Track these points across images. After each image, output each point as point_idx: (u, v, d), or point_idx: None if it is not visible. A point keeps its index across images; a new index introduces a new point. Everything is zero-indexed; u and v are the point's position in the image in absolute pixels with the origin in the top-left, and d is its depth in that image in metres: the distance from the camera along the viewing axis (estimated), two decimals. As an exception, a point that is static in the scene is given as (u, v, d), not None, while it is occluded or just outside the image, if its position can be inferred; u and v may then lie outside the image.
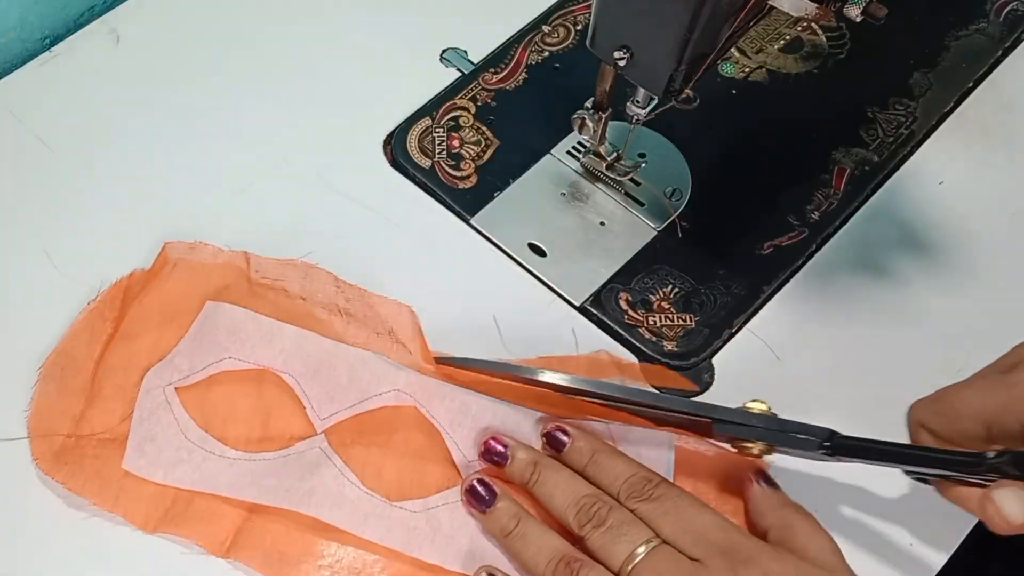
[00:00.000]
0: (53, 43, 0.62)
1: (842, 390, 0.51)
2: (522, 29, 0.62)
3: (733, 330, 0.52)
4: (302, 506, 0.45)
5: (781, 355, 0.52)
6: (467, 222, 0.55)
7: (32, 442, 0.47)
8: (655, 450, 0.46)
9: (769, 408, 0.43)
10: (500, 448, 0.46)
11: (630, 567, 0.40)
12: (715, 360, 0.52)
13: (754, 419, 0.43)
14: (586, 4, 0.63)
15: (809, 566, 0.40)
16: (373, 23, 0.63)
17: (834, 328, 0.53)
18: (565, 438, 0.45)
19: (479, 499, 0.44)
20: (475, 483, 0.45)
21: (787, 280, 0.54)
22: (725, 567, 0.40)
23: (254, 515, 0.45)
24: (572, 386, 0.46)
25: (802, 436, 0.42)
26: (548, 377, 0.46)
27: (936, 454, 0.41)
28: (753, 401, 0.43)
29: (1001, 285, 0.54)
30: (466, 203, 0.56)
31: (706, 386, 0.51)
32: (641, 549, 0.41)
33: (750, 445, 0.43)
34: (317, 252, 0.54)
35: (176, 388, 0.48)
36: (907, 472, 0.44)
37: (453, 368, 0.49)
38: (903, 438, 0.50)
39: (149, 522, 0.45)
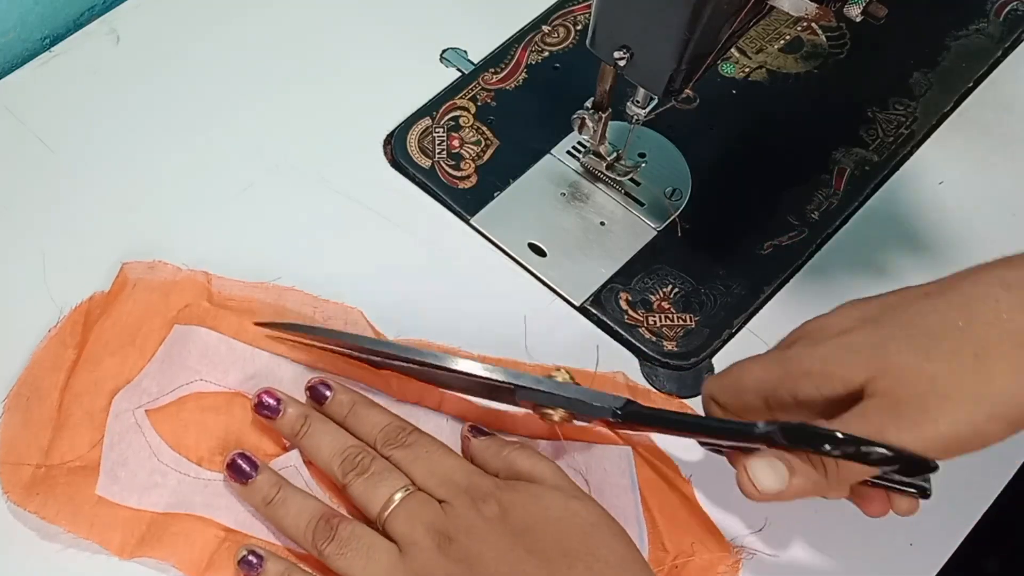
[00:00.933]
0: (53, 43, 0.62)
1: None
2: (522, 29, 0.62)
3: (733, 330, 0.52)
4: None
5: (781, 355, 0.52)
6: (467, 222, 0.55)
7: (1, 474, 0.46)
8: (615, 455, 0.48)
9: (572, 377, 0.45)
10: (272, 402, 0.47)
11: (386, 514, 0.43)
12: (715, 360, 0.52)
13: (555, 387, 0.44)
14: (586, 4, 0.63)
15: (539, 487, 0.43)
16: (373, 23, 0.63)
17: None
18: (327, 391, 0.47)
19: (240, 472, 0.45)
20: (236, 458, 0.45)
21: (787, 280, 0.54)
22: (467, 504, 0.42)
23: (231, 535, 0.45)
24: (379, 350, 0.48)
25: (596, 404, 0.44)
26: (362, 343, 0.48)
27: (716, 423, 0.43)
28: (557, 370, 0.45)
29: (1001, 285, 0.54)
30: (466, 203, 0.56)
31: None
32: (397, 495, 0.43)
33: (551, 411, 0.44)
34: (317, 252, 0.54)
35: (146, 411, 0.47)
36: (700, 443, 0.46)
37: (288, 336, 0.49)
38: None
39: (125, 548, 0.44)
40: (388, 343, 0.50)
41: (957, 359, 0.37)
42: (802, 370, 0.40)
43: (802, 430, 0.37)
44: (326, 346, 0.49)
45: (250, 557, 0.43)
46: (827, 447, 0.36)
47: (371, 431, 0.46)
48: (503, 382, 0.45)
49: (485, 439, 0.46)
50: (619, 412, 0.43)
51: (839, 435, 0.36)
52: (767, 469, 0.39)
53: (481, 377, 0.45)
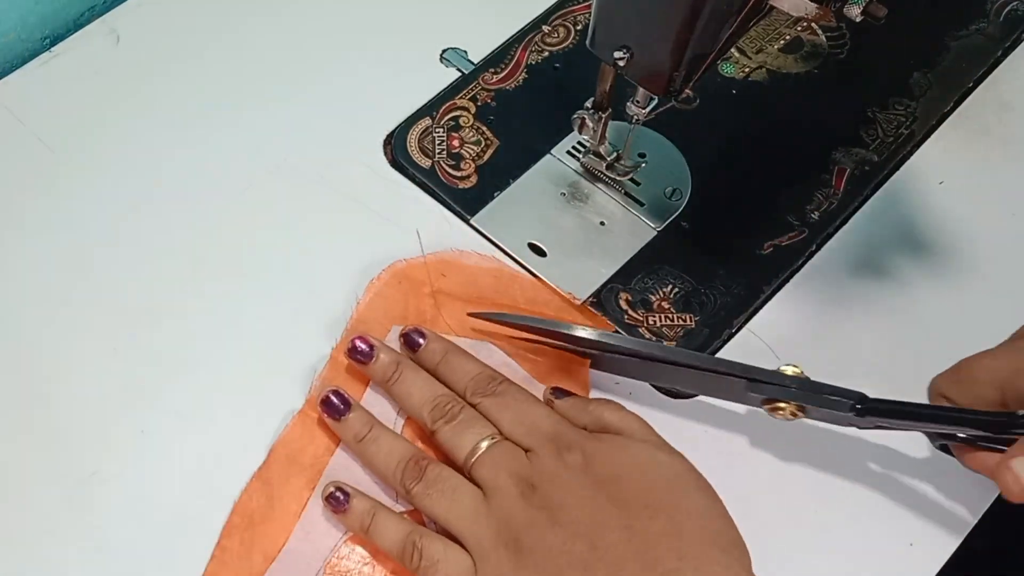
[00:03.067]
0: (53, 43, 0.62)
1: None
2: (522, 29, 0.62)
3: (733, 330, 0.52)
4: None
5: (781, 355, 0.52)
6: (467, 222, 0.55)
7: None
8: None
9: (802, 372, 0.45)
10: (365, 347, 0.48)
11: (472, 460, 0.44)
12: (715, 360, 0.52)
13: (789, 380, 0.44)
14: (586, 4, 0.63)
15: (625, 439, 0.44)
16: (373, 23, 0.63)
17: (834, 328, 0.53)
18: (421, 339, 0.49)
19: (334, 408, 0.47)
20: (330, 394, 0.47)
21: (787, 280, 0.54)
22: (552, 453, 0.43)
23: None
24: (604, 341, 0.47)
25: (834, 398, 0.43)
26: (581, 332, 0.48)
27: (968, 414, 0.42)
28: (787, 365, 0.45)
29: (1001, 285, 0.54)
30: (466, 203, 0.56)
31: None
32: (484, 443, 0.44)
33: (783, 405, 0.44)
34: (317, 252, 0.54)
35: None
36: (934, 437, 0.45)
37: (487, 324, 0.50)
38: (906, 439, 0.50)
39: None
40: (609, 334, 0.49)
41: None
42: None
43: None
44: (539, 338, 0.50)
45: (337, 493, 0.45)
46: None
47: (462, 379, 0.47)
48: (738, 375, 0.45)
49: (570, 398, 0.47)
50: (859, 406, 0.43)
51: None
52: None
53: (717, 370, 0.45)
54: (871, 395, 0.44)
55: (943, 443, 0.45)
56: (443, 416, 0.45)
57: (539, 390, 0.49)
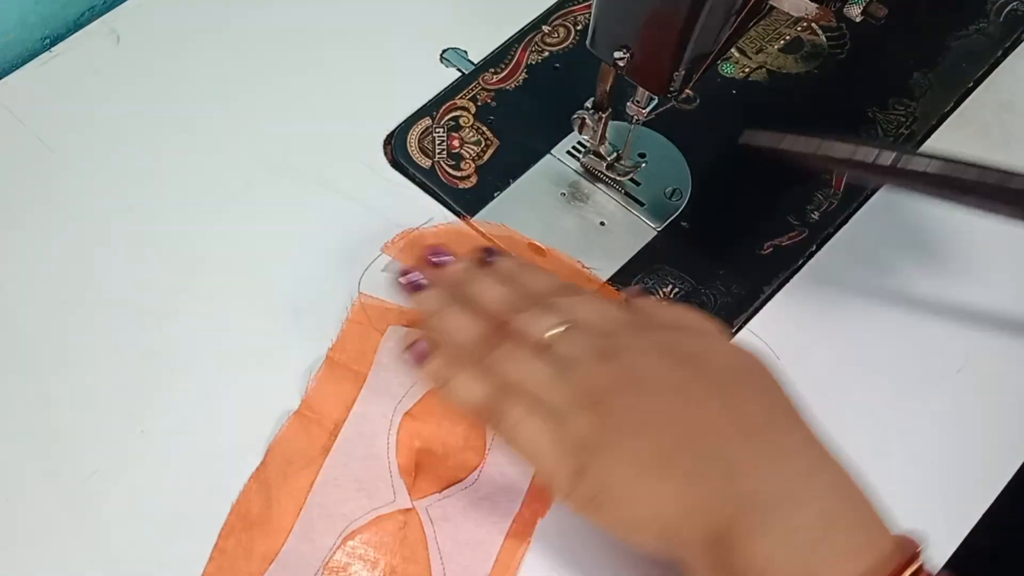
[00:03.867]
0: (53, 43, 0.62)
1: (843, 390, 0.50)
2: (522, 29, 0.62)
3: (733, 330, 0.52)
4: None
5: (781, 355, 0.52)
6: (467, 222, 0.55)
7: None
8: None
9: None
10: (445, 255, 0.49)
11: (548, 335, 0.43)
12: (715, 360, 0.52)
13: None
14: (586, 4, 0.63)
15: (707, 333, 0.43)
16: (373, 23, 0.63)
17: (834, 328, 0.53)
18: (492, 257, 0.49)
19: (415, 285, 0.48)
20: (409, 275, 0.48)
21: (787, 280, 0.54)
22: (631, 332, 0.42)
23: None
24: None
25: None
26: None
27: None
28: None
29: (1001, 285, 0.54)
30: (466, 203, 0.56)
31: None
32: (561, 327, 0.43)
33: None
34: (317, 252, 0.54)
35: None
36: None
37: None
38: (906, 439, 0.50)
39: None
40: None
41: None
42: None
43: None
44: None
45: (420, 346, 0.45)
46: None
47: (538, 287, 0.46)
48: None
49: (648, 298, 0.47)
50: None
51: None
52: None
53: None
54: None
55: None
56: (515, 307, 0.44)
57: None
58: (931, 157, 0.43)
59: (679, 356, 0.41)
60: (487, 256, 0.49)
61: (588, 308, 0.44)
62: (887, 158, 0.43)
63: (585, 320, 0.43)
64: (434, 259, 0.49)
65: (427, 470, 0.47)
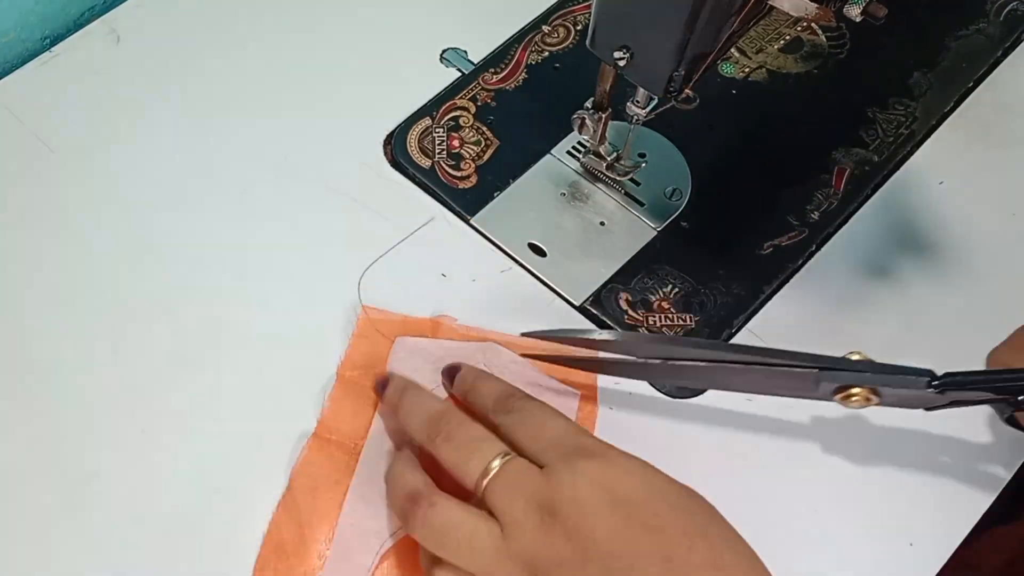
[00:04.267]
0: (53, 43, 0.62)
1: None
2: (522, 29, 0.62)
3: (733, 330, 0.52)
4: None
5: (781, 355, 0.52)
6: (467, 222, 0.55)
7: None
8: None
9: (867, 356, 0.43)
10: (380, 380, 0.48)
11: (484, 483, 0.40)
12: (715, 360, 0.52)
13: (859, 364, 0.42)
14: (586, 4, 0.63)
15: (634, 458, 0.40)
16: (373, 23, 0.63)
17: (834, 328, 0.53)
18: (457, 371, 0.47)
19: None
20: None
21: (787, 280, 0.54)
22: (567, 466, 0.39)
23: None
24: (667, 345, 0.45)
25: (910, 377, 0.42)
26: (643, 344, 0.46)
27: None
28: (851, 352, 0.43)
29: (1001, 285, 0.54)
30: (466, 203, 0.56)
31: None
32: (495, 463, 0.40)
33: (857, 391, 0.42)
34: (317, 252, 0.54)
35: None
36: (1004, 409, 0.45)
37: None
38: (906, 439, 0.50)
39: None
40: (670, 337, 0.47)
41: None
42: None
43: None
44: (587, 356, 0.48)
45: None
46: None
47: (485, 401, 0.44)
48: (807, 366, 0.43)
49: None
50: (935, 383, 0.41)
51: None
52: None
53: (788, 365, 0.43)
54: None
55: (1012, 414, 0.44)
56: (439, 434, 0.42)
57: (550, 384, 0.48)
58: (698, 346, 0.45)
59: (622, 501, 0.38)
60: (453, 370, 0.48)
61: (528, 431, 0.42)
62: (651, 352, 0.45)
63: (526, 445, 0.41)
64: (378, 390, 0.48)
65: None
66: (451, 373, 0.48)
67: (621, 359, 0.47)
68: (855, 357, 0.43)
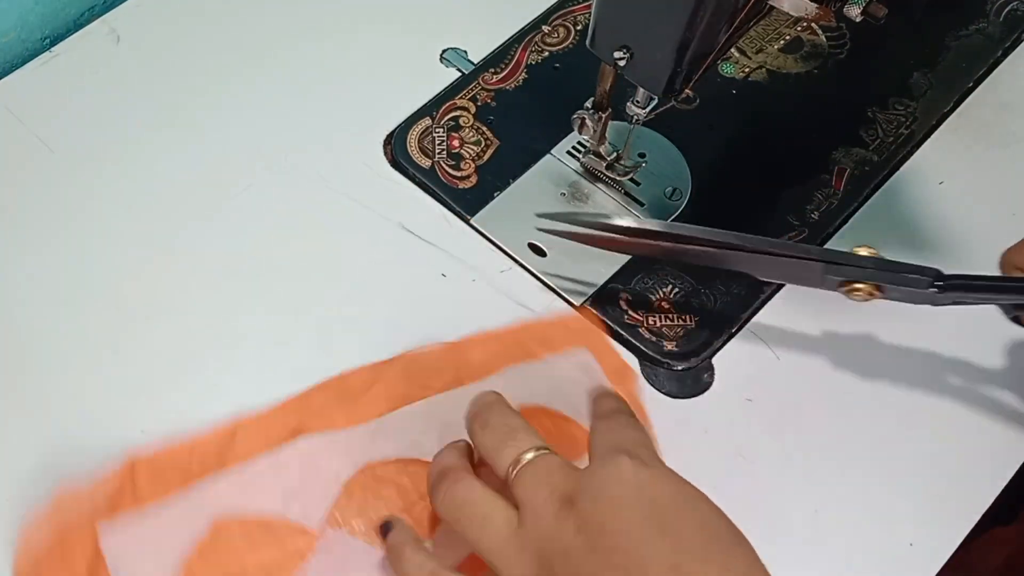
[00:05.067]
0: (53, 43, 0.62)
1: (844, 389, 0.51)
2: (522, 29, 0.62)
3: (733, 330, 0.52)
4: None
5: (781, 355, 0.52)
6: (467, 222, 0.55)
7: None
8: None
9: (877, 252, 0.44)
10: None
11: (513, 472, 0.39)
12: (715, 360, 0.52)
13: (864, 260, 0.43)
14: (586, 4, 0.63)
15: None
16: (373, 23, 0.63)
17: (834, 328, 0.53)
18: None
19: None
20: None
21: (787, 280, 0.54)
22: (605, 462, 0.38)
23: None
24: (677, 232, 0.46)
25: (912, 275, 0.42)
26: (653, 226, 0.47)
27: None
28: (860, 246, 0.44)
29: (1001, 285, 0.54)
30: (466, 203, 0.56)
31: (706, 386, 0.51)
32: (529, 455, 0.40)
33: (860, 286, 0.43)
34: (317, 252, 0.54)
35: None
36: (1009, 309, 0.46)
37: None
38: (906, 439, 0.50)
39: None
40: (680, 225, 0.47)
41: None
42: None
43: None
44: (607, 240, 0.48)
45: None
46: None
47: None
48: (815, 259, 0.44)
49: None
50: (938, 283, 0.42)
51: None
52: None
53: (794, 255, 0.44)
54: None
55: (1017, 315, 0.45)
56: (478, 419, 0.42)
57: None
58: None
59: (650, 499, 0.37)
60: None
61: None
62: (660, 226, 0.47)
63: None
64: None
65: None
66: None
67: (634, 227, 0.47)
68: (863, 252, 0.43)
